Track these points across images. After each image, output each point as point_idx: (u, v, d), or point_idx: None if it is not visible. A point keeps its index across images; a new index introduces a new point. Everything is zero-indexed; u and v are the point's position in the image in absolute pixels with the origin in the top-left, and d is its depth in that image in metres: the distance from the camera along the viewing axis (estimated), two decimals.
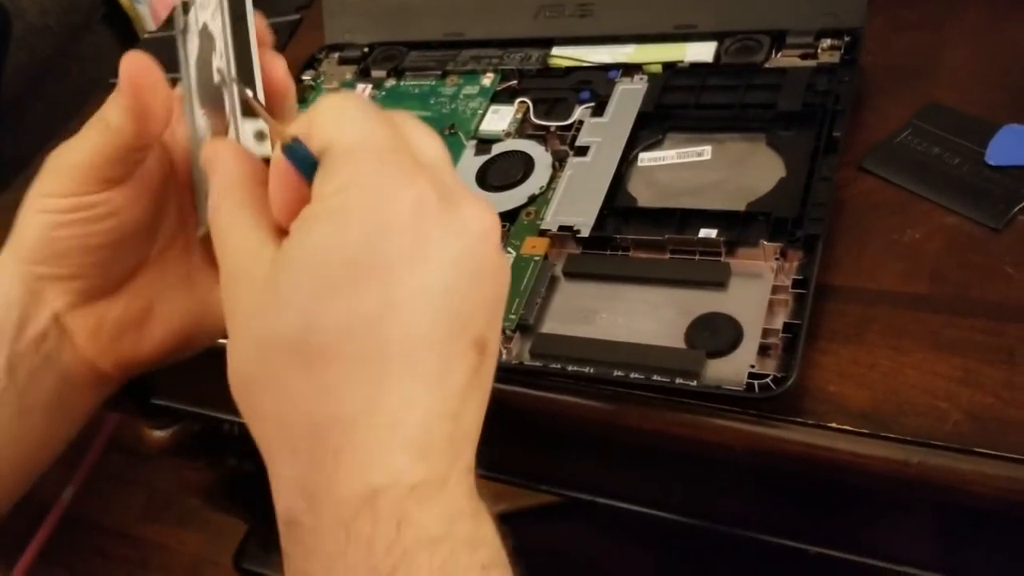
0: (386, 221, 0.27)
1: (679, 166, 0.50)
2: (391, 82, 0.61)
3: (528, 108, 0.56)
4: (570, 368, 0.43)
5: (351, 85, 0.62)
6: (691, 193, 0.49)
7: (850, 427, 0.38)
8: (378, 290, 0.27)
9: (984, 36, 0.52)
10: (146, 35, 0.81)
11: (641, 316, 0.45)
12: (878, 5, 0.52)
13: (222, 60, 0.34)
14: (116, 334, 0.38)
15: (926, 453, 0.37)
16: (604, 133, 0.52)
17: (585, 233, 0.48)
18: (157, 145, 0.38)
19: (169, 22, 0.80)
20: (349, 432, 0.27)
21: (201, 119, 0.37)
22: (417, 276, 0.27)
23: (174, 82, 0.37)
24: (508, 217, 0.50)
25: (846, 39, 0.51)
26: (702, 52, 0.54)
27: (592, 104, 0.54)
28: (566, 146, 0.53)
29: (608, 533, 0.84)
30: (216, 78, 0.35)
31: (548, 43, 0.58)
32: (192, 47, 0.39)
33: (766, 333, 0.41)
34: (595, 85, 0.55)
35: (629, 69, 0.55)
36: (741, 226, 0.45)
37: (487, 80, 0.58)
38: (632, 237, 0.47)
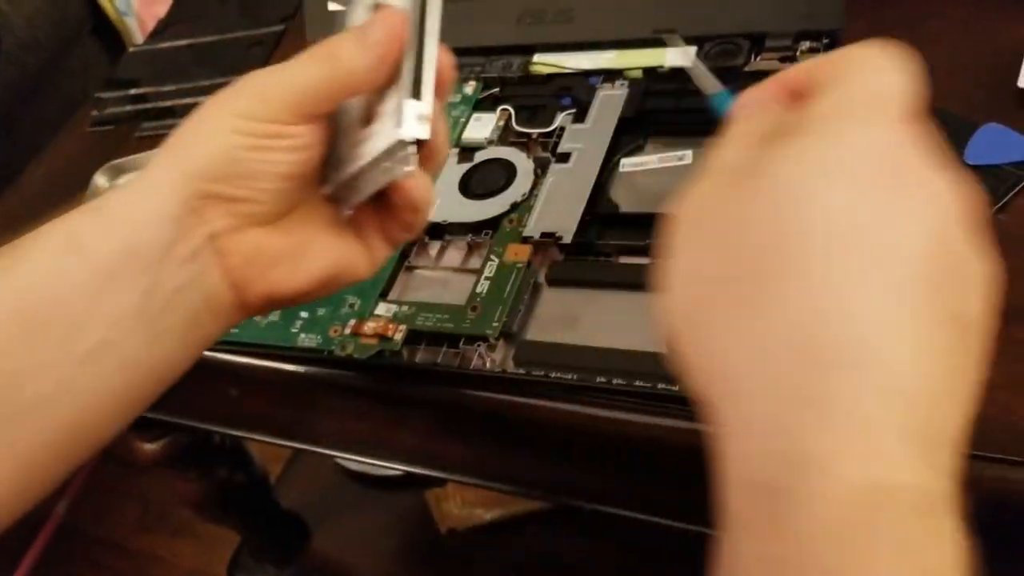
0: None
1: (661, 171, 0.51)
2: None
3: (510, 115, 0.56)
4: (553, 375, 0.43)
5: None
6: (673, 198, 0.49)
7: None
8: (873, 195, 0.25)
9: (963, 36, 0.52)
10: (132, 48, 0.80)
11: (624, 322, 0.45)
12: (860, 6, 0.52)
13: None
14: (271, 263, 0.37)
15: None
16: (586, 139, 0.52)
17: (567, 240, 0.48)
18: None
19: (157, 34, 0.80)
20: (839, 375, 0.23)
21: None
22: (917, 195, 0.25)
23: None
24: (491, 225, 0.50)
25: (825, 41, 0.51)
26: (682, 56, 0.54)
27: (573, 110, 0.54)
28: (548, 153, 0.53)
29: (601, 538, 0.84)
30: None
31: (529, 50, 0.58)
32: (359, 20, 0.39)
33: None
34: (576, 91, 0.55)
35: (610, 75, 0.55)
36: None
37: (469, 88, 0.58)
38: (614, 243, 0.47)
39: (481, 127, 0.56)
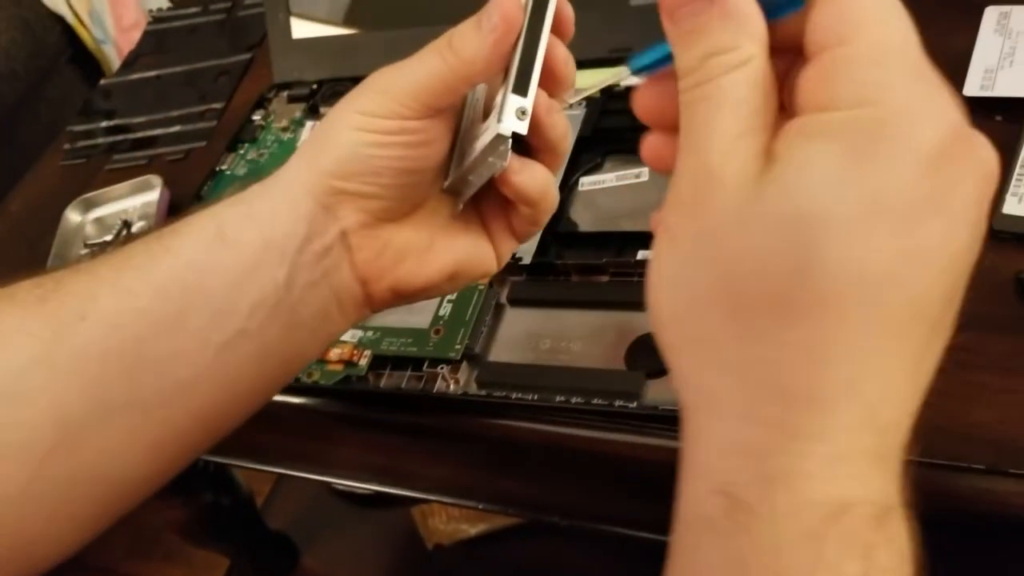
0: (914, 158, 0.23)
1: (618, 188, 0.51)
2: None
3: None
4: (514, 396, 0.44)
5: (300, 123, 0.63)
6: (630, 215, 0.50)
7: None
8: (890, 241, 0.23)
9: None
10: (103, 81, 0.81)
11: (584, 340, 0.46)
12: None
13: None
14: (399, 258, 0.38)
15: None
16: None
17: (527, 260, 0.49)
18: None
19: (128, 65, 0.81)
20: (821, 414, 0.23)
21: (480, 88, 0.39)
22: (934, 231, 0.23)
23: None
24: None
25: None
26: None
27: None
28: None
29: (586, 548, 0.84)
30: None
31: None
32: None
33: None
34: None
35: None
36: None
37: None
38: (573, 262, 0.48)
39: None
